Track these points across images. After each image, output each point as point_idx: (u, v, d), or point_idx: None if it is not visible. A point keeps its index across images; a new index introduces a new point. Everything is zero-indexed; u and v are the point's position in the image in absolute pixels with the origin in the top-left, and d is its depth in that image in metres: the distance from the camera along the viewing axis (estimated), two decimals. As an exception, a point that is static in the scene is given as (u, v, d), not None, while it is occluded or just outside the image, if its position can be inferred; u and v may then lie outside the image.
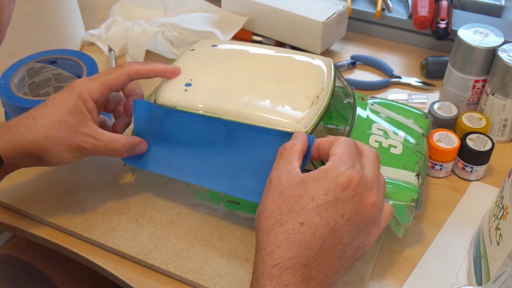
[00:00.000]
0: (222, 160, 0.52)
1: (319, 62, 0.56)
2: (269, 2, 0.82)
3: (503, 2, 0.84)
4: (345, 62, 0.82)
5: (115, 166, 0.63)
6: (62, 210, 0.58)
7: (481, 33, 0.67)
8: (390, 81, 0.79)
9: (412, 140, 0.57)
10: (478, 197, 0.61)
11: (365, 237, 0.43)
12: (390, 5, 0.86)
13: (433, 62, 0.79)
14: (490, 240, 0.49)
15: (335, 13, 0.79)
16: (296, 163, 0.44)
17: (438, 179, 0.63)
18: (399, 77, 0.79)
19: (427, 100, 0.75)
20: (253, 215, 0.55)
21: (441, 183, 0.63)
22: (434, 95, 0.76)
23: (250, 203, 0.53)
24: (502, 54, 0.64)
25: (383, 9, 0.86)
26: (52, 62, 0.69)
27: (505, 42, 0.65)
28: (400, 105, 0.62)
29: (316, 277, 0.40)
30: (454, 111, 0.66)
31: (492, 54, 0.65)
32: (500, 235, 0.47)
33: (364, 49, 0.86)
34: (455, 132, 0.64)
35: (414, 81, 0.78)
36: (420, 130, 0.59)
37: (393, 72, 0.80)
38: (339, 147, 0.44)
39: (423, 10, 0.80)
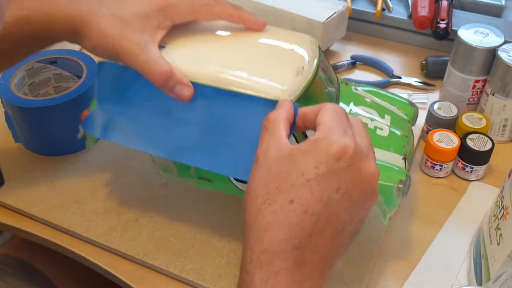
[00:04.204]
0: (196, 131, 0.48)
1: (304, 37, 0.53)
2: (269, 2, 0.82)
3: (503, 2, 0.84)
4: (345, 62, 0.82)
5: (115, 166, 0.63)
6: (62, 210, 0.58)
7: (481, 33, 0.67)
8: (390, 81, 0.79)
9: (398, 124, 0.55)
10: (478, 197, 0.61)
11: (366, 209, 0.39)
12: (390, 5, 0.86)
13: (433, 62, 0.79)
14: (490, 240, 0.49)
15: (335, 13, 0.79)
16: (282, 133, 0.39)
17: (438, 179, 0.63)
18: (399, 77, 0.79)
19: (427, 100, 0.75)
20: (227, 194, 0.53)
21: (441, 183, 0.63)
22: (434, 95, 0.76)
23: (222, 180, 0.50)
24: (502, 54, 0.64)
25: (383, 9, 0.86)
26: (52, 62, 0.69)
27: (505, 42, 0.65)
28: (385, 93, 0.60)
29: (312, 259, 0.37)
30: (454, 111, 0.66)
31: (492, 54, 0.65)
32: (500, 235, 0.47)
33: (364, 49, 0.86)
34: (455, 132, 0.64)
35: (414, 81, 0.78)
36: (405, 117, 0.58)
37: (393, 72, 0.80)
38: (326, 115, 0.40)
39: (423, 10, 0.80)
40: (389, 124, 0.55)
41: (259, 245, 0.36)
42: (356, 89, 0.59)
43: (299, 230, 0.36)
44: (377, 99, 0.58)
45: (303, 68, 0.48)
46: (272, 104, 0.44)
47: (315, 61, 0.50)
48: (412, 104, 0.60)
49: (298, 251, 0.36)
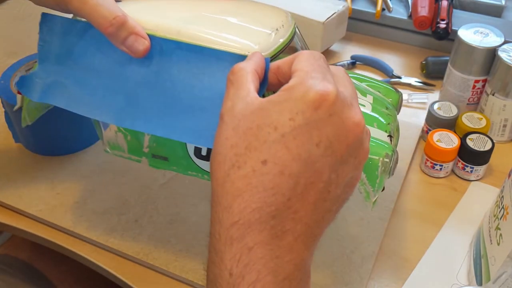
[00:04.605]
0: (152, 93, 0.42)
1: (279, 9, 0.48)
2: (269, 2, 0.82)
3: (503, 2, 0.84)
4: (345, 62, 0.82)
5: (114, 166, 0.63)
6: (62, 210, 0.58)
7: (481, 33, 0.67)
8: (390, 81, 0.79)
9: (381, 104, 0.51)
10: (478, 197, 0.61)
11: (355, 169, 0.34)
12: (390, 5, 0.86)
13: (433, 62, 0.79)
14: (490, 240, 0.49)
15: (335, 13, 0.79)
16: (250, 86, 0.34)
17: (438, 179, 0.63)
18: (399, 77, 0.79)
19: (427, 100, 0.75)
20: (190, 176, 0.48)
21: (441, 183, 0.63)
22: (434, 95, 0.76)
23: (180, 158, 0.45)
24: (502, 54, 0.64)
25: (383, 9, 0.86)
26: (52, 62, 0.69)
27: (505, 42, 0.65)
28: (368, 78, 0.56)
29: (293, 229, 0.31)
30: (454, 111, 0.66)
31: (492, 54, 0.65)
32: (500, 235, 0.47)
33: (364, 49, 0.86)
34: (455, 132, 0.64)
35: (414, 81, 0.78)
36: (389, 100, 0.54)
37: (393, 72, 0.80)
38: (302, 61, 0.34)
39: (423, 10, 0.80)
40: (371, 102, 0.51)
41: (228, 218, 0.31)
42: None
43: (275, 196, 0.31)
44: (358, 83, 0.54)
45: (277, 29, 0.43)
46: (241, 60, 0.38)
47: (291, 27, 0.45)
48: (396, 90, 0.57)
49: (275, 220, 0.31)
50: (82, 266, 0.57)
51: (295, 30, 0.46)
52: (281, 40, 0.42)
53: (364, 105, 0.49)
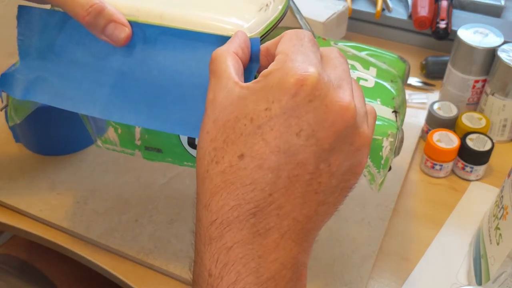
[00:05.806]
0: (139, 83, 0.39)
1: None
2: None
3: (503, 2, 0.84)
4: (345, 62, 0.82)
5: (115, 166, 0.63)
6: (62, 210, 0.58)
7: (481, 33, 0.67)
8: (390, 81, 0.79)
9: (386, 77, 0.48)
10: (478, 197, 0.61)
11: (353, 156, 0.31)
12: (390, 5, 0.86)
13: (433, 62, 0.79)
14: (490, 240, 0.49)
15: (335, 13, 0.79)
16: (231, 70, 0.31)
17: (438, 179, 0.63)
18: (399, 77, 0.79)
19: (427, 100, 0.75)
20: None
21: (441, 183, 0.63)
22: (434, 95, 0.76)
23: (174, 149, 0.44)
24: (502, 54, 0.64)
25: (383, 9, 0.86)
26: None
27: (504, 42, 0.65)
28: (372, 48, 0.53)
29: (278, 225, 0.29)
30: (454, 111, 0.66)
31: (492, 54, 0.65)
32: (500, 235, 0.47)
33: (364, 49, 0.86)
34: (455, 132, 0.64)
35: (414, 81, 0.78)
36: (395, 72, 0.51)
37: (393, 72, 0.80)
38: (284, 42, 0.32)
39: (423, 10, 0.80)
40: (374, 76, 0.48)
41: (207, 216, 0.30)
42: (336, 44, 0.52)
43: (254, 192, 0.29)
44: (361, 54, 0.51)
45: (267, 5, 0.40)
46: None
47: (283, 1, 0.42)
48: (403, 59, 0.53)
49: (255, 218, 0.29)
50: (82, 266, 0.57)
51: (288, 4, 0.43)
52: (273, 16, 0.40)
53: (366, 80, 0.47)
